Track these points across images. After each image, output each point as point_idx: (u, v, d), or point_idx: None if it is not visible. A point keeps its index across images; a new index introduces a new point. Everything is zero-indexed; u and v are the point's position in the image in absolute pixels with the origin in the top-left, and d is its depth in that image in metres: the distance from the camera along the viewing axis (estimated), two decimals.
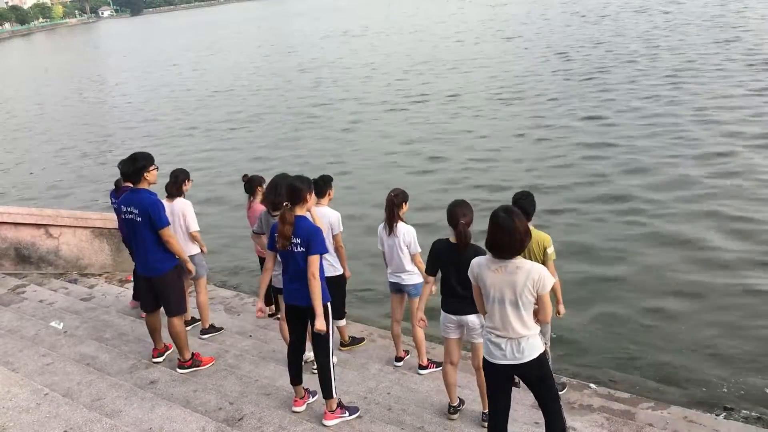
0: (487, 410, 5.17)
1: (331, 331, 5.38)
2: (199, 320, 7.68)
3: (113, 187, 8.24)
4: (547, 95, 21.96)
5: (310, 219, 5.43)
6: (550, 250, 5.68)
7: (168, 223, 6.14)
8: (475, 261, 4.43)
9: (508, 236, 4.14)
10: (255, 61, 44.90)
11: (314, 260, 5.12)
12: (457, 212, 5.19)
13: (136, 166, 6.06)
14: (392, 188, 6.34)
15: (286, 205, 5.23)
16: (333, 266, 6.50)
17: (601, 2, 50.78)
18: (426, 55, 35.98)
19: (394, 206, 6.18)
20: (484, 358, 4.52)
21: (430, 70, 30.40)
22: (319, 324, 5.13)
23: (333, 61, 39.22)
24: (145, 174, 6.09)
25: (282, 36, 65.26)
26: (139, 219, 6.05)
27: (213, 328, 7.62)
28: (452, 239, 5.23)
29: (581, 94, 21.43)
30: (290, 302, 5.42)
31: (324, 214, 6.34)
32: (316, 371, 6.02)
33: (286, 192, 5.34)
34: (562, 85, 23.23)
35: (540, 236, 5.69)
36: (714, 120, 16.55)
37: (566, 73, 25.17)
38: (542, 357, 4.37)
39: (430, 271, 5.43)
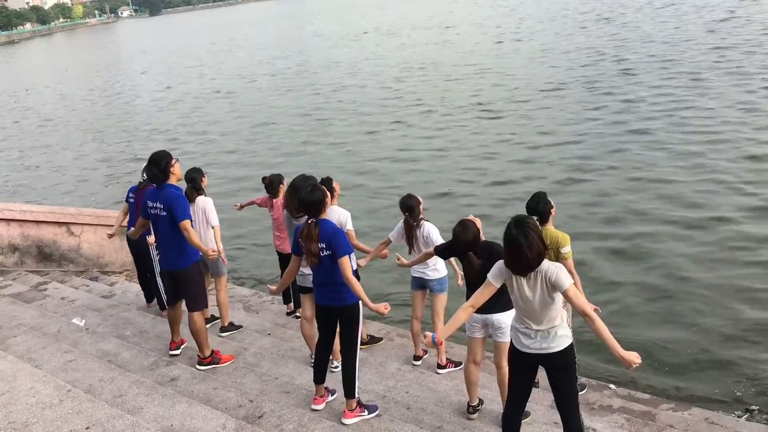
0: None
1: (359, 332, 5.41)
2: (218, 318, 7.73)
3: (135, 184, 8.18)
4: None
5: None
6: (565, 250, 5.60)
7: (189, 217, 6.21)
8: (503, 265, 4.33)
9: (523, 256, 4.09)
10: (268, 63, 45.01)
11: (344, 262, 5.13)
12: (462, 239, 5.17)
13: (160, 167, 6.14)
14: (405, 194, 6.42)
15: (312, 222, 5.21)
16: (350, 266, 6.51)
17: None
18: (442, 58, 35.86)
19: (416, 207, 6.24)
20: (511, 345, 4.55)
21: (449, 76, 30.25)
22: (382, 308, 5.18)
23: (353, 62, 39.21)
24: (170, 170, 6.19)
25: (296, 37, 65.33)
26: (163, 213, 6.13)
27: (232, 326, 7.66)
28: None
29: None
30: (322, 303, 5.45)
31: (333, 213, 6.32)
32: (334, 370, 6.07)
33: (305, 208, 5.30)
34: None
35: (555, 236, 5.63)
36: None
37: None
38: (570, 349, 4.38)
39: (443, 255, 5.66)
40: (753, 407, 6.50)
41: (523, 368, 4.54)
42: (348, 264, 5.17)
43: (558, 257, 5.58)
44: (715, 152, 14.32)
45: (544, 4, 58.47)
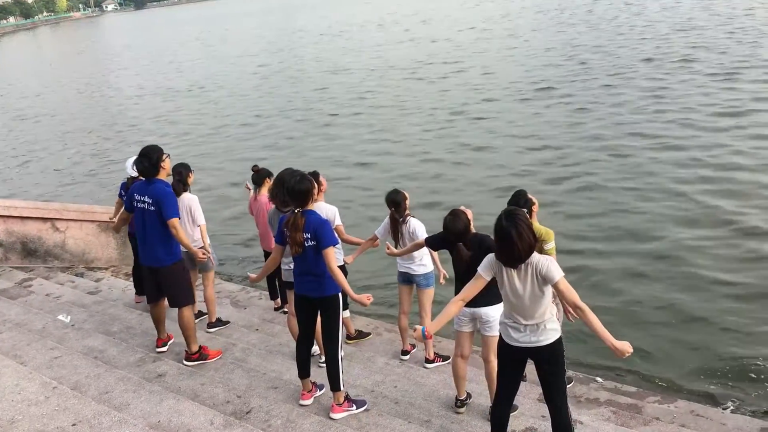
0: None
1: (340, 324, 5.39)
2: (206, 314, 7.71)
3: (124, 180, 8.08)
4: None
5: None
6: (549, 246, 5.61)
7: (177, 215, 6.18)
8: (493, 258, 4.35)
9: (514, 247, 4.11)
10: (252, 58, 44.79)
11: (329, 253, 5.13)
12: (452, 228, 5.16)
13: (151, 160, 6.11)
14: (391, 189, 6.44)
15: (298, 211, 5.21)
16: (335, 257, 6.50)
17: None
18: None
19: (402, 202, 6.24)
20: (500, 339, 4.56)
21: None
22: (364, 299, 5.16)
23: (338, 58, 39.08)
24: (161, 164, 6.16)
25: (282, 31, 65.01)
26: (152, 208, 6.09)
27: (220, 322, 7.64)
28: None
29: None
30: (301, 292, 5.44)
31: (320, 209, 6.31)
32: (322, 365, 6.06)
33: (293, 198, 5.28)
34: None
35: (538, 231, 5.62)
36: None
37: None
38: (559, 342, 4.41)
39: (434, 246, 5.67)
40: (738, 400, 6.57)
41: (511, 362, 4.55)
42: (333, 255, 5.16)
43: (542, 253, 5.59)
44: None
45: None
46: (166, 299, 6.57)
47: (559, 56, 27.56)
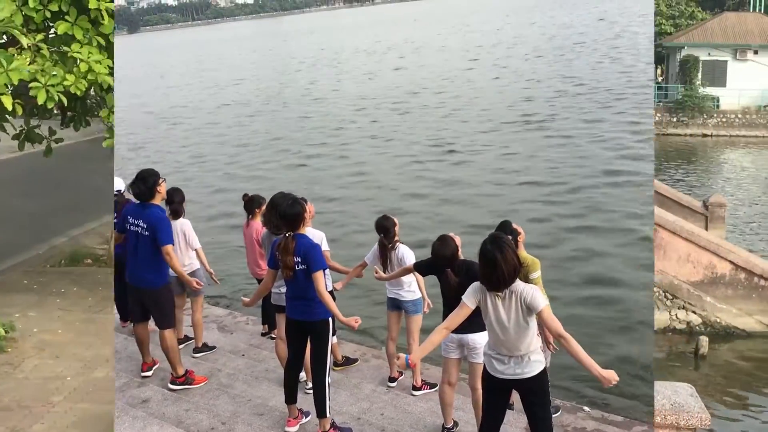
0: None
1: (329, 350, 5.38)
2: (192, 339, 7.65)
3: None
4: None
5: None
6: (534, 275, 5.59)
7: (172, 242, 6.19)
8: (478, 286, 4.37)
9: (498, 271, 4.12)
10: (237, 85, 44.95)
11: (318, 277, 5.15)
12: (440, 254, 5.21)
13: (147, 184, 6.13)
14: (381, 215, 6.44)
15: (289, 235, 5.23)
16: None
17: None
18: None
19: (391, 228, 6.25)
20: (485, 371, 4.54)
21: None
22: (352, 322, 5.16)
23: (325, 87, 39.31)
24: (157, 188, 6.17)
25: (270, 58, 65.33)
26: (146, 233, 6.08)
27: (206, 347, 7.58)
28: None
29: None
30: (292, 317, 5.43)
31: (307, 234, 6.30)
32: (309, 391, 6.02)
33: (284, 222, 5.32)
34: None
35: (524, 260, 5.63)
36: None
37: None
38: (543, 374, 4.40)
39: (422, 272, 5.67)
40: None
41: (496, 392, 4.53)
42: (322, 278, 5.18)
43: (527, 282, 5.60)
44: None
45: None
46: (150, 321, 6.54)
47: (546, 87, 27.86)
